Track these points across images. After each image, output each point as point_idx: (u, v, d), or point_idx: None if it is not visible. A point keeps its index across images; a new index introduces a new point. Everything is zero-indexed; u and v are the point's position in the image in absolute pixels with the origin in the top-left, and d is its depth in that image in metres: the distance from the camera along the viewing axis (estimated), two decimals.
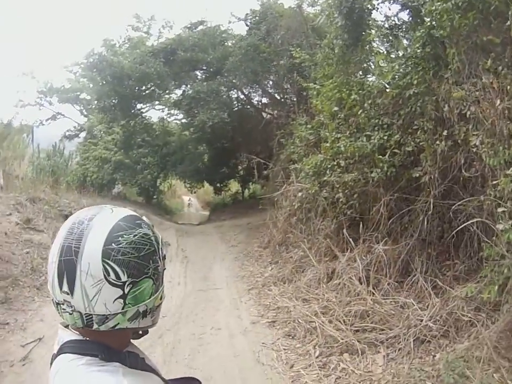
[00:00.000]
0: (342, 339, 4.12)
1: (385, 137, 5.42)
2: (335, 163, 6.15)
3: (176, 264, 8.78)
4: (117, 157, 19.42)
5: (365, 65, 6.89)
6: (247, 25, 15.24)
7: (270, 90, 15.42)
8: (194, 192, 29.16)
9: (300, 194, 7.15)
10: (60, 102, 24.27)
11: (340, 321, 4.45)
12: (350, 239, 5.62)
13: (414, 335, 3.92)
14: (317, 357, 4.03)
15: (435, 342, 3.84)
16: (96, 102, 17.77)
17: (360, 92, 6.09)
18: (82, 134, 24.37)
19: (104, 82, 15.46)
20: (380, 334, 4.18)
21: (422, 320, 4.05)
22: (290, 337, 4.60)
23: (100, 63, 14.87)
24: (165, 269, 1.17)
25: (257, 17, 14.31)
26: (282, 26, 11.95)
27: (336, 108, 6.50)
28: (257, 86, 15.68)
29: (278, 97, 14.62)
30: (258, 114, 16.42)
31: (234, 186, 24.64)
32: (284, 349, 4.32)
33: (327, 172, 6.25)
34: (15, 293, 5.88)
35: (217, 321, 5.33)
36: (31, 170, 17.22)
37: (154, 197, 23.37)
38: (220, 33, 15.66)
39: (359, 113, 5.88)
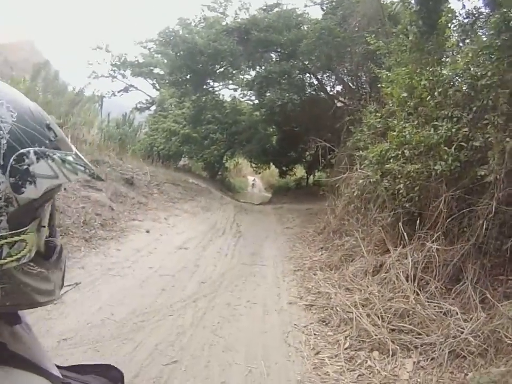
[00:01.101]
0: (376, 335, 3.93)
1: (453, 130, 5.08)
2: (399, 152, 5.86)
3: (228, 237, 8.97)
4: (185, 131, 19.93)
5: (438, 54, 6.53)
6: (323, 9, 15.04)
7: (344, 78, 15.03)
8: (260, 173, 29.46)
9: (361, 181, 6.91)
10: (132, 75, 25.10)
11: (377, 316, 4.25)
12: (405, 234, 5.35)
13: (451, 347, 3.64)
14: (345, 349, 3.89)
15: (471, 359, 3.53)
16: (168, 75, 18.16)
17: (431, 79, 5.77)
18: (153, 107, 25.27)
19: (177, 57, 15.78)
20: (415, 337, 3.92)
21: (462, 332, 3.75)
22: (324, 323, 4.48)
23: (174, 38, 15.17)
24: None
25: (333, 2, 14.09)
26: (358, 12, 11.56)
27: (405, 94, 6.19)
28: (331, 72, 15.36)
29: (352, 85, 14.19)
30: (330, 101, 16.04)
31: (299, 171, 24.54)
32: (314, 334, 4.21)
33: (391, 161, 5.97)
34: (64, 240, 6.24)
35: (255, 296, 5.32)
36: (100, 136, 18.05)
37: (219, 173, 23.84)
38: (295, 16, 15.45)
39: (428, 100, 5.56)
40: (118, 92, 25.72)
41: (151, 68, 24.91)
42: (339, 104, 15.13)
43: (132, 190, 10.73)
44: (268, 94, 14.73)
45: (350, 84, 14.24)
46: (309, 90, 17.13)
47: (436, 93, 5.54)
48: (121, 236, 7.41)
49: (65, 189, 8.00)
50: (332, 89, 16.92)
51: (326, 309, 4.78)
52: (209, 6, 18.94)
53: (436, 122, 5.37)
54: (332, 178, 9.92)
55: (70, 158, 0.70)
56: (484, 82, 4.77)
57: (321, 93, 17.06)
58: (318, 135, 15.86)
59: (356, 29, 11.49)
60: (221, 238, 8.80)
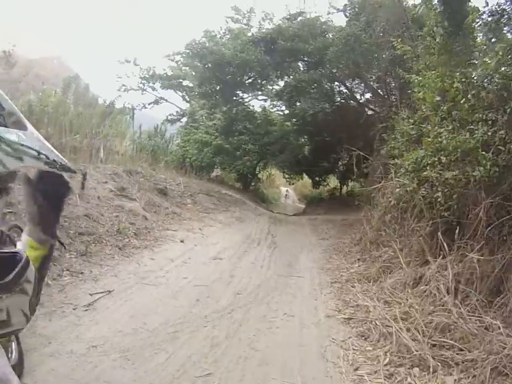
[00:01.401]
0: (416, 351, 3.76)
1: (489, 133, 4.92)
2: (436, 159, 5.70)
3: (263, 248, 8.89)
4: (217, 142, 20.15)
5: (467, 54, 6.40)
6: (346, 16, 15.01)
7: (372, 85, 14.87)
8: (293, 184, 29.40)
9: (397, 190, 6.75)
10: (162, 87, 25.68)
11: (418, 330, 4.07)
12: (444, 244, 5.17)
13: (493, 363, 3.41)
14: (385, 365, 3.73)
15: None
16: (197, 87, 18.46)
17: (463, 81, 5.61)
18: (184, 119, 25.75)
19: (205, 69, 16.05)
20: (457, 353, 3.72)
21: (504, 348, 3.51)
22: (363, 338, 4.33)
23: (201, 50, 15.43)
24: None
25: (356, 8, 14.03)
26: (381, 17, 11.47)
27: (438, 98, 6.04)
28: (359, 79, 15.25)
29: (381, 92, 14.02)
30: (361, 109, 15.93)
31: (332, 181, 24.42)
32: (353, 349, 4.06)
33: (427, 168, 5.82)
34: (96, 248, 6.39)
35: (292, 309, 5.14)
36: (132, 148, 18.45)
37: (252, 184, 23.90)
38: (319, 24, 15.50)
39: (462, 103, 5.40)
40: (149, 104, 26.39)
41: (180, 80, 25.44)
42: (369, 112, 14.99)
43: (165, 200, 10.89)
44: (299, 104, 14.69)
45: (379, 91, 14.05)
46: (338, 98, 17.06)
47: (469, 96, 5.37)
48: (155, 245, 7.51)
49: (98, 197, 8.20)
50: (361, 97, 16.81)
51: (365, 323, 4.63)
52: (233, 18, 19.32)
53: (472, 126, 5.22)
54: (367, 188, 9.75)
55: (12, 137, 0.53)
56: None
57: (351, 101, 16.99)
58: (350, 144, 15.80)
59: (381, 34, 11.39)
60: (256, 248, 8.75)
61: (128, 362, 3.49)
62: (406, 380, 3.50)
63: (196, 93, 21.87)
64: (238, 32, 17.61)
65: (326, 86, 15.29)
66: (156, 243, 7.65)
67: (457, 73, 5.81)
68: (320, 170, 22.35)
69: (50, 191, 0.84)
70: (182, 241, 8.10)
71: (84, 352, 3.51)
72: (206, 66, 16.19)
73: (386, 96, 13.56)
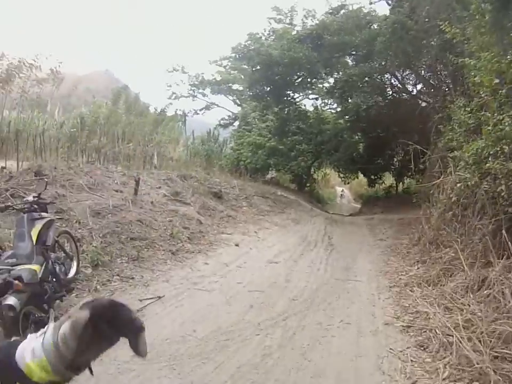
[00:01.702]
0: (477, 364, 3.39)
1: None
2: (498, 149, 5.24)
3: (320, 250, 8.68)
4: (271, 143, 20.21)
5: None
6: (388, 4, 14.68)
7: (423, 75, 14.21)
8: (348, 183, 28.93)
9: (458, 185, 6.28)
10: (212, 93, 26.78)
11: (480, 341, 3.69)
12: (509, 243, 4.70)
13: None
14: (444, 379, 3.40)
15: None
16: (248, 90, 18.53)
17: None
18: (236, 122, 26.15)
19: (254, 70, 16.03)
20: None
21: None
22: (422, 348, 4.01)
23: (248, 52, 15.45)
24: None
25: None
26: (425, 0, 10.89)
27: (496, 81, 5.57)
28: (409, 70, 14.64)
29: (433, 82, 13.33)
30: (414, 101, 15.36)
31: (388, 179, 23.88)
32: (411, 361, 3.76)
33: (489, 159, 5.36)
34: (148, 253, 6.46)
35: (349, 315, 4.96)
36: (185, 153, 18.78)
37: (307, 184, 23.69)
38: (363, 15, 15.07)
39: None
40: (200, 110, 27.47)
41: (229, 84, 25.87)
42: (423, 104, 14.35)
43: (220, 204, 10.97)
44: (351, 100, 14.32)
45: (430, 80, 13.37)
46: (390, 92, 16.52)
47: None
48: (209, 249, 7.52)
49: (152, 202, 8.34)
50: (413, 88, 16.13)
51: (425, 331, 4.29)
52: (275, 18, 19.26)
53: None
54: (424, 184, 9.28)
55: None
56: None
57: (403, 94, 16.34)
58: (405, 138, 15.23)
59: (427, 20, 10.79)
60: (313, 251, 8.56)
61: (174, 371, 3.44)
62: None
63: (247, 96, 21.99)
64: (282, 32, 17.47)
65: (377, 79, 14.78)
66: (210, 247, 7.67)
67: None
68: (375, 168, 21.79)
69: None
70: (237, 245, 8.08)
71: (128, 359, 3.44)
72: (254, 68, 16.22)
73: (438, 86, 12.87)
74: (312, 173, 24.18)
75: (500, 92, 5.54)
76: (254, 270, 6.66)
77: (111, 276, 5.46)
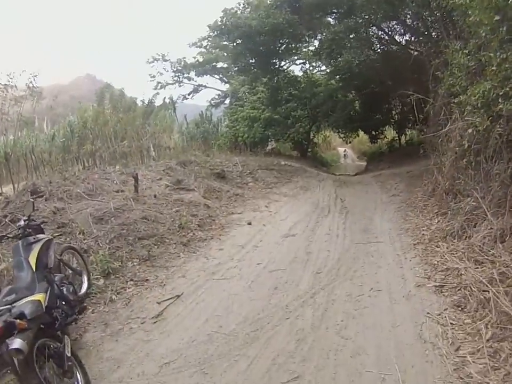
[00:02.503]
0: None
1: None
2: (508, 89, 4.95)
3: (335, 215, 8.53)
4: (265, 114, 20.07)
5: None
6: None
7: (411, 24, 13.67)
8: (349, 143, 28.87)
9: (469, 131, 5.97)
10: (197, 75, 26.71)
11: None
12: None
13: None
14: (487, 340, 3.28)
15: None
16: (233, 65, 18.14)
17: None
18: (227, 100, 26.02)
19: (235, 44, 15.61)
20: None
21: None
22: (460, 308, 3.87)
23: (225, 27, 15.00)
24: None
25: None
26: None
27: (497, 17, 5.24)
28: (396, 21, 14.10)
29: (422, 30, 12.84)
30: (405, 52, 14.89)
31: (389, 133, 23.74)
32: (451, 324, 3.63)
33: (499, 100, 5.06)
34: (160, 250, 6.25)
35: (378, 281, 4.80)
36: (181, 139, 18.56)
37: (309, 150, 23.56)
38: None
39: None
40: (188, 94, 27.63)
41: (213, 63, 25.54)
42: (415, 53, 13.93)
43: (225, 184, 10.79)
44: (340, 58, 13.85)
45: (421, 28, 12.86)
46: (378, 44, 16.00)
47: None
48: (222, 234, 7.34)
49: (155, 196, 8.14)
50: (401, 38, 15.59)
51: (459, 290, 4.15)
52: None
53: None
54: (431, 134, 9.00)
55: None
56: None
57: (392, 46, 15.83)
58: (401, 90, 14.93)
59: None
60: (327, 217, 8.39)
61: (206, 376, 3.31)
62: (511, 357, 3.04)
63: (233, 72, 21.65)
64: (257, 3, 16.89)
65: (364, 33, 14.20)
66: (223, 231, 7.50)
67: None
68: (375, 123, 21.56)
69: None
70: (249, 224, 7.91)
71: (156, 371, 3.38)
72: (235, 42, 15.78)
73: (427, 33, 12.40)
74: (312, 137, 23.96)
75: (501, 29, 5.22)
76: (271, 248, 6.49)
77: (124, 282, 5.26)
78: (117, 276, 5.34)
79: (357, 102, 21.39)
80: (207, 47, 26.08)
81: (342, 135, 24.86)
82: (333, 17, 15.71)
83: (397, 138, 22.52)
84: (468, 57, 6.75)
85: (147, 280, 5.35)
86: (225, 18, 16.31)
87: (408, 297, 4.31)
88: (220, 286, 5.12)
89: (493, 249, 4.57)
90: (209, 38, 24.63)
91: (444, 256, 5.07)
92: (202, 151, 15.72)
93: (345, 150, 35.70)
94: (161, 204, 7.97)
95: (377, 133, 22.71)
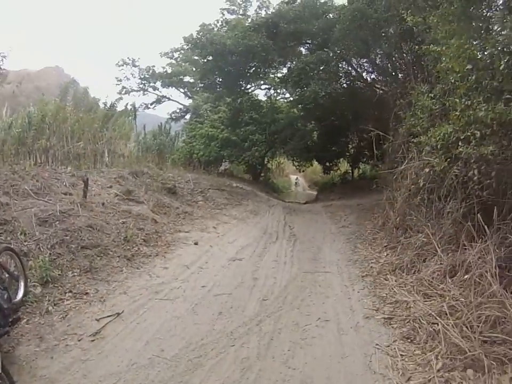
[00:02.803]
0: (469, 351, 3.37)
1: None
2: (469, 133, 5.19)
3: (283, 242, 8.42)
4: (224, 135, 19.92)
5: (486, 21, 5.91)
6: None
7: (380, 64, 14.21)
8: (303, 171, 29.25)
9: (426, 170, 6.23)
10: (163, 86, 26.52)
11: (467, 326, 3.67)
12: (485, 226, 4.67)
13: None
14: (438, 370, 3.32)
15: None
16: (199, 81, 18.17)
17: (497, 46, 5.05)
18: (188, 115, 25.87)
19: (206, 61, 15.68)
20: (510, 349, 3.36)
21: None
22: (409, 340, 3.89)
23: (200, 41, 15.03)
24: None
25: None
26: None
27: (469, 66, 5.49)
28: (366, 59, 14.62)
29: (390, 70, 13.36)
30: (370, 89, 15.40)
31: (343, 166, 24.13)
32: (401, 355, 3.63)
33: (459, 144, 5.29)
34: (102, 262, 5.85)
35: (326, 311, 4.71)
36: (137, 149, 18.19)
37: (262, 174, 23.71)
38: (320, 5, 14.93)
39: (500, 69, 4.85)
40: (151, 104, 27.31)
41: (181, 76, 25.53)
42: (380, 92, 14.44)
43: (175, 200, 10.48)
44: (308, 88, 14.04)
45: (389, 68, 13.38)
46: (345, 79, 16.42)
47: (501, 63, 4.83)
48: (167, 251, 7.03)
49: (103, 204, 7.74)
50: (368, 76, 16.17)
51: (408, 322, 4.19)
52: (228, 9, 18.97)
53: (509, 96, 4.73)
54: (387, 170, 9.24)
55: None
56: None
57: (358, 82, 16.34)
58: (361, 125, 15.41)
59: (387, 7, 10.76)
60: (276, 243, 8.29)
61: None
62: None
63: (198, 88, 21.65)
64: (235, 23, 17.11)
65: (334, 67, 14.62)
66: (168, 248, 7.19)
67: (484, 39, 5.33)
68: (330, 155, 21.89)
69: None
70: (196, 243, 7.66)
71: None
72: (207, 58, 15.74)
73: (394, 74, 12.92)
74: (266, 162, 24.12)
75: (470, 77, 5.47)
76: (217, 270, 6.28)
77: (63, 293, 4.83)
78: (56, 285, 4.89)
79: (315, 132, 21.73)
80: (178, 59, 25.98)
81: (296, 163, 25.16)
82: (306, 47, 16.16)
83: (350, 171, 22.96)
84: (433, 100, 7.11)
85: (87, 293, 4.94)
86: (201, 33, 16.35)
87: (357, 329, 4.26)
88: (162, 306, 4.82)
89: (442, 283, 4.69)
90: (181, 51, 24.67)
91: (393, 289, 5.14)
92: (156, 163, 15.36)
93: (297, 178, 36.19)
94: (109, 213, 7.54)
95: (331, 164, 23.08)
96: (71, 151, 12.42)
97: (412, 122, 7.91)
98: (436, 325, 3.88)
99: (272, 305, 4.94)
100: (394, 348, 3.75)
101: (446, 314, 3.96)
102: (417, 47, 8.70)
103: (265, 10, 16.38)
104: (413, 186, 7.03)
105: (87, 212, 7.04)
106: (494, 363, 3.25)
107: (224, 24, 17.53)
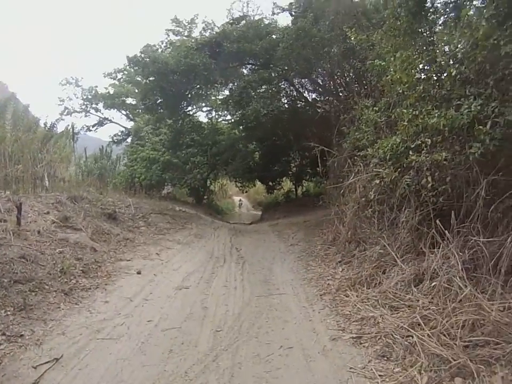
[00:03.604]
0: (453, 359, 3.19)
1: (478, 107, 4.47)
2: (419, 142, 5.21)
3: (232, 265, 7.96)
4: (165, 157, 19.48)
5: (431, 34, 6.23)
6: (291, 15, 14.81)
7: (321, 82, 14.44)
8: (246, 192, 29.21)
9: (376, 182, 6.12)
10: (105, 107, 25.59)
11: (444, 334, 3.51)
12: (446, 232, 4.64)
13: None
14: None
15: None
16: (141, 102, 17.66)
17: (443, 57, 5.28)
18: (130, 139, 25.32)
19: (148, 81, 15.16)
20: (494, 349, 3.24)
21: None
22: (385, 358, 3.60)
23: (142, 60, 14.62)
24: None
25: (302, 4, 13.75)
26: (330, 11, 11.19)
27: (418, 76, 5.54)
28: (307, 79, 14.86)
29: (331, 88, 13.56)
30: (311, 109, 15.62)
31: (286, 184, 24.43)
32: (380, 376, 3.32)
33: (410, 153, 5.29)
34: (37, 298, 5.07)
35: (287, 337, 4.26)
36: (77, 172, 17.34)
37: (205, 197, 23.24)
38: (264, 26, 15.05)
39: (451, 77, 4.95)
40: (93, 126, 26.30)
41: (123, 98, 24.90)
42: (321, 111, 14.67)
43: (115, 226, 9.74)
44: (247, 108, 13.91)
45: (330, 85, 13.59)
46: (286, 100, 16.59)
47: (452, 70, 4.94)
48: (108, 283, 6.28)
49: (39, 232, 6.97)
50: (309, 95, 16.45)
51: (380, 339, 3.91)
52: (174, 30, 18.72)
53: (459, 102, 4.78)
54: (333, 185, 9.23)
55: None
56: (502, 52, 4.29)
57: (300, 102, 16.51)
58: (302, 145, 15.52)
59: (331, 28, 11.08)
60: (224, 267, 7.79)
61: None
62: None
63: (140, 110, 21.15)
64: (180, 44, 16.77)
65: (276, 86, 14.64)
66: (109, 279, 6.44)
67: (430, 52, 5.51)
68: (273, 174, 21.98)
69: None
70: (139, 273, 6.94)
71: None
72: (149, 77, 15.27)
73: (334, 92, 13.12)
74: (208, 184, 23.71)
75: (418, 87, 5.56)
76: (163, 301, 5.64)
77: None
78: None
79: (257, 152, 21.86)
80: (121, 80, 25.30)
81: (239, 184, 25.04)
82: (248, 68, 16.11)
83: (294, 189, 23.20)
84: (378, 113, 7.17)
85: (21, 335, 4.19)
86: (145, 53, 15.83)
87: (325, 353, 3.89)
88: (105, 347, 4.16)
89: (408, 293, 4.52)
90: (124, 71, 24.00)
91: (356, 305, 4.85)
92: (97, 188, 14.52)
93: (240, 200, 36.19)
94: (44, 242, 6.72)
95: (274, 183, 23.20)
96: (8, 174, 11.37)
97: (356, 136, 7.96)
98: (410, 338, 3.68)
99: (227, 336, 4.43)
100: (371, 369, 3.44)
101: (419, 325, 3.79)
102: (359, 64, 8.99)
103: (209, 32, 16.12)
104: (362, 199, 7.00)
105: (20, 241, 6.24)
106: (482, 366, 3.10)
107: (168, 45, 17.13)
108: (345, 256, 6.88)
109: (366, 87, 9.52)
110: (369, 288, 5.18)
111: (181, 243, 10.01)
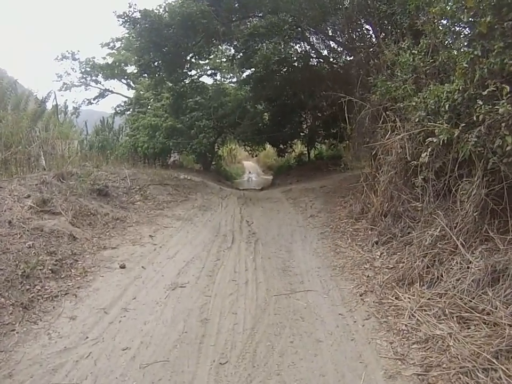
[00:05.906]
0: None
1: None
2: (492, 89, 3.83)
3: (241, 246, 6.63)
4: (168, 123, 18.38)
5: None
6: None
7: (338, 32, 12.61)
8: (256, 156, 28.11)
9: (434, 140, 4.61)
10: (105, 78, 24.41)
11: None
12: None
13: None
14: None
15: None
16: (136, 63, 16.06)
17: None
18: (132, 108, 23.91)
19: (141, 35, 13.40)
20: None
21: None
22: None
23: (132, 14, 12.92)
24: None
25: None
26: None
27: None
28: (321, 34, 13.12)
29: (353, 35, 11.80)
30: (325, 63, 14.16)
31: (298, 147, 23.23)
32: None
33: (480, 103, 3.89)
34: None
35: (323, 372, 2.97)
36: (78, 147, 16.38)
37: (213, 163, 22.20)
38: None
39: None
40: (94, 99, 25.12)
41: (123, 66, 24.02)
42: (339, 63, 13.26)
43: (105, 203, 8.45)
44: (255, 56, 12.11)
45: (349, 33, 11.79)
46: (299, 50, 14.83)
47: None
48: (81, 285, 4.88)
49: (10, 222, 5.67)
50: (324, 50, 14.64)
51: (454, 375, 2.63)
52: None
53: None
54: (357, 145, 7.89)
55: None
56: None
57: (313, 57, 14.81)
58: (314, 104, 14.02)
59: None
60: (232, 250, 6.43)
61: None
62: None
63: (141, 78, 19.83)
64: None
65: (288, 30, 12.66)
66: (84, 279, 5.03)
67: None
68: (284, 136, 20.42)
69: None
70: (122, 267, 5.54)
71: None
72: (141, 34, 13.42)
73: (352, 46, 11.43)
74: (216, 150, 22.52)
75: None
76: (148, 312, 4.20)
77: None
78: None
79: (266, 113, 20.46)
80: (119, 49, 23.94)
81: (248, 148, 23.72)
82: (252, 21, 14.17)
83: (306, 152, 21.85)
84: (419, 57, 5.79)
85: None
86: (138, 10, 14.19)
87: None
88: None
89: (481, 299, 3.24)
90: (123, 40, 22.68)
91: (413, 314, 3.50)
92: (99, 161, 13.29)
93: (250, 164, 35.06)
94: (14, 235, 5.34)
95: (285, 146, 21.74)
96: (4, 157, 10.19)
97: (389, 86, 6.45)
98: (495, 372, 2.46)
99: (235, 373, 3.06)
100: None
101: (508, 352, 2.53)
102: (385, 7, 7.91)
103: None
104: (400, 163, 5.61)
105: None
106: None
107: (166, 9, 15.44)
108: (382, 234, 5.58)
109: (397, 30, 8.01)
110: (423, 286, 3.88)
111: (182, 219, 8.72)
